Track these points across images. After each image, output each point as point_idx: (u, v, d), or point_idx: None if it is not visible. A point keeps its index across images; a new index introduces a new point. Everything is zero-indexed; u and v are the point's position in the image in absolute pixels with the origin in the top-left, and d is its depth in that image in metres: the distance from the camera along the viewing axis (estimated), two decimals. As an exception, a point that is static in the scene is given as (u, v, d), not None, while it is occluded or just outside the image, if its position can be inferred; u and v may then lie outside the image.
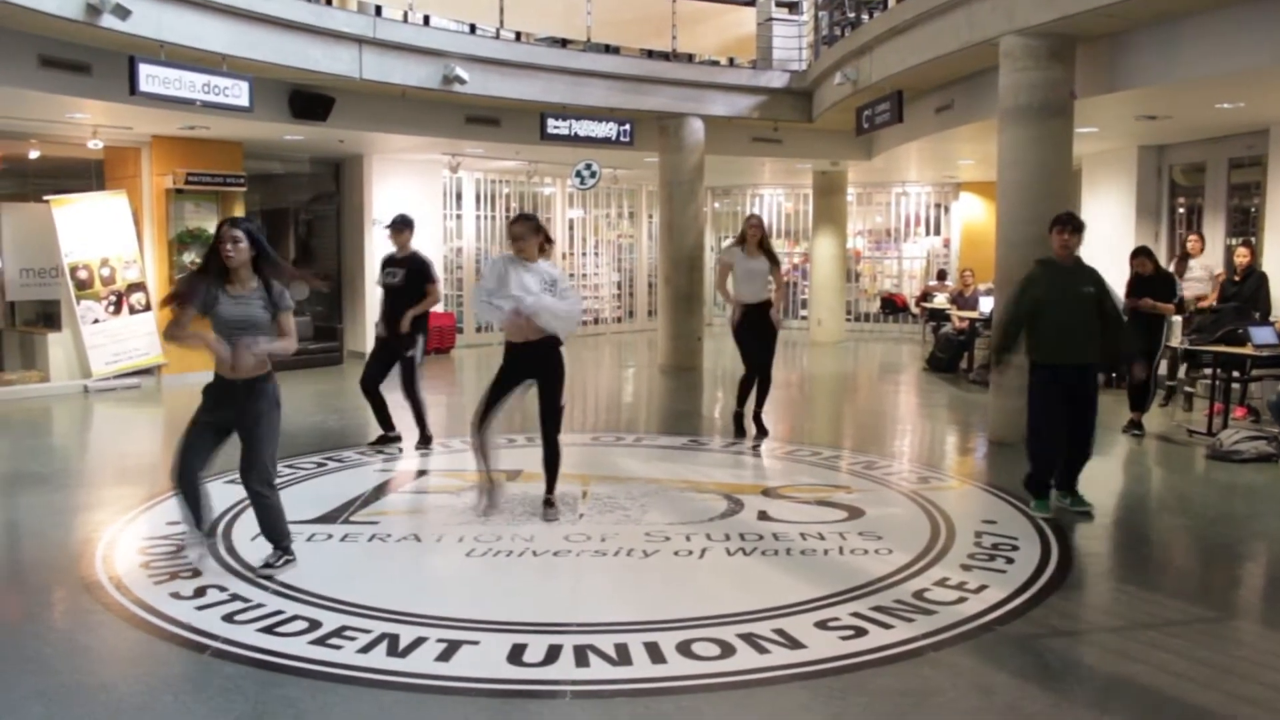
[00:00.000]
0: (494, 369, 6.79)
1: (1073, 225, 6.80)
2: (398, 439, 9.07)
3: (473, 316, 18.29)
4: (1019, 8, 8.94)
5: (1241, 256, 10.61)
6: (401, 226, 8.95)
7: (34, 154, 12.65)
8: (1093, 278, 6.81)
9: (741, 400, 9.62)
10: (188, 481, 5.47)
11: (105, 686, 4.28)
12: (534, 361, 6.61)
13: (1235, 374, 9.70)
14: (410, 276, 8.76)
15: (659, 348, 15.53)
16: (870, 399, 13.27)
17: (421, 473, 8.36)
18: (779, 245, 21.90)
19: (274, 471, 5.59)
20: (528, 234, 6.52)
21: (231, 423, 5.47)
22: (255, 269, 5.41)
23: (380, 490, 7.61)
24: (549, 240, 6.78)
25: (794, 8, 16.68)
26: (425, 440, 8.98)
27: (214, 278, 5.36)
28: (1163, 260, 10.99)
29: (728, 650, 4.56)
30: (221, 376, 5.43)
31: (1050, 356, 6.68)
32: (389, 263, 8.95)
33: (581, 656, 4.49)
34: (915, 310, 19.81)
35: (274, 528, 5.62)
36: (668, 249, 15.18)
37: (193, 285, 5.42)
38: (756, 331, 9.40)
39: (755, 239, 9.33)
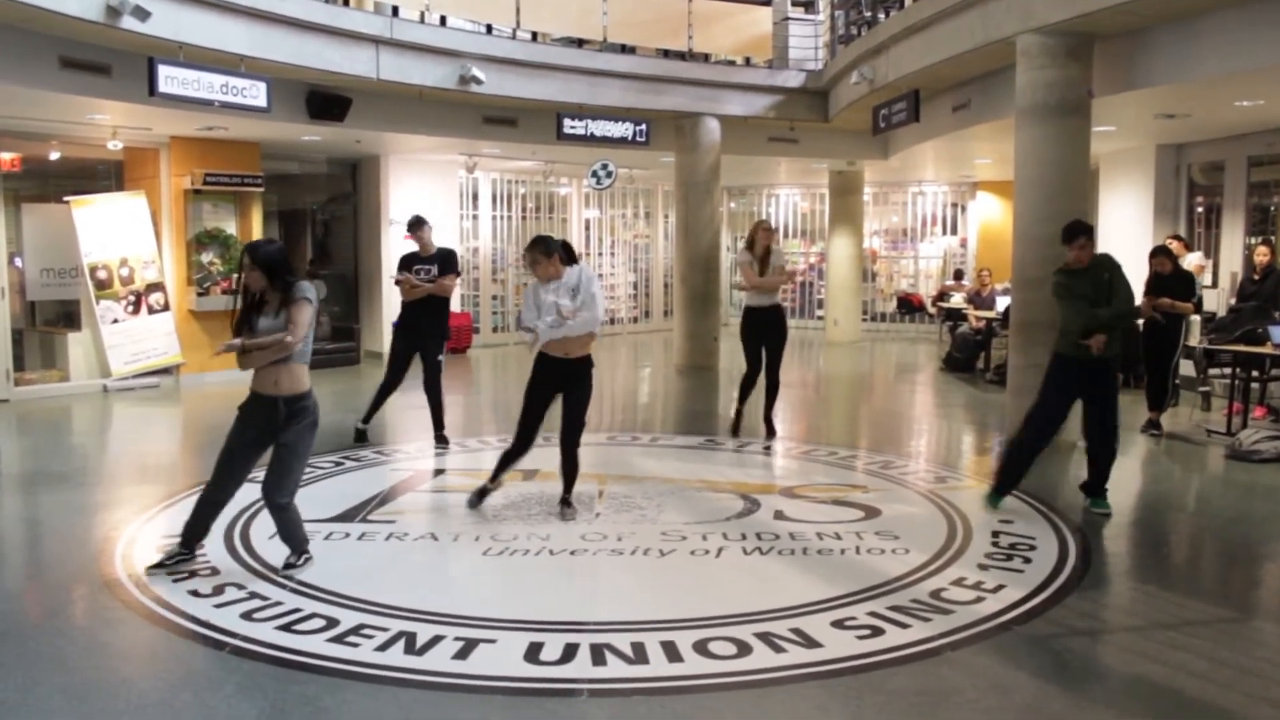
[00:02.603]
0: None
1: (1087, 234, 6.86)
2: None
3: (490, 317, 18.37)
4: (1036, 6, 8.91)
5: (1261, 255, 10.54)
6: (418, 225, 9.06)
7: (54, 155, 12.72)
8: (1106, 264, 6.85)
9: (742, 399, 9.65)
10: (214, 503, 5.57)
11: (126, 683, 4.32)
12: (566, 377, 6.68)
13: (1255, 373, 9.65)
14: (443, 272, 8.90)
15: (675, 348, 15.52)
16: (886, 399, 13.24)
17: (438, 472, 8.37)
18: (794, 245, 21.93)
19: (295, 489, 5.63)
20: (539, 258, 6.66)
21: (269, 439, 5.50)
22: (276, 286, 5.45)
23: (397, 489, 7.64)
24: (571, 256, 6.84)
25: (810, 7, 16.65)
26: (442, 440, 9.01)
27: (254, 304, 5.47)
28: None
29: (744, 649, 4.56)
30: (259, 394, 5.47)
31: (1074, 350, 6.72)
32: (416, 260, 9.02)
33: (598, 655, 4.49)
34: (932, 310, 19.75)
35: (292, 535, 5.66)
36: (684, 249, 15.18)
37: (243, 319, 5.52)
38: (760, 334, 9.47)
39: (763, 244, 9.38)
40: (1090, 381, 6.75)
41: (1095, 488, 6.93)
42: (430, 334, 8.98)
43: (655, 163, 16.94)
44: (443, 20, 13.19)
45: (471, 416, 10.92)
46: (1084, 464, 7.13)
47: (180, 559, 5.63)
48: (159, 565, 5.58)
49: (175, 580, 5.45)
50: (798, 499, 7.29)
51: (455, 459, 8.73)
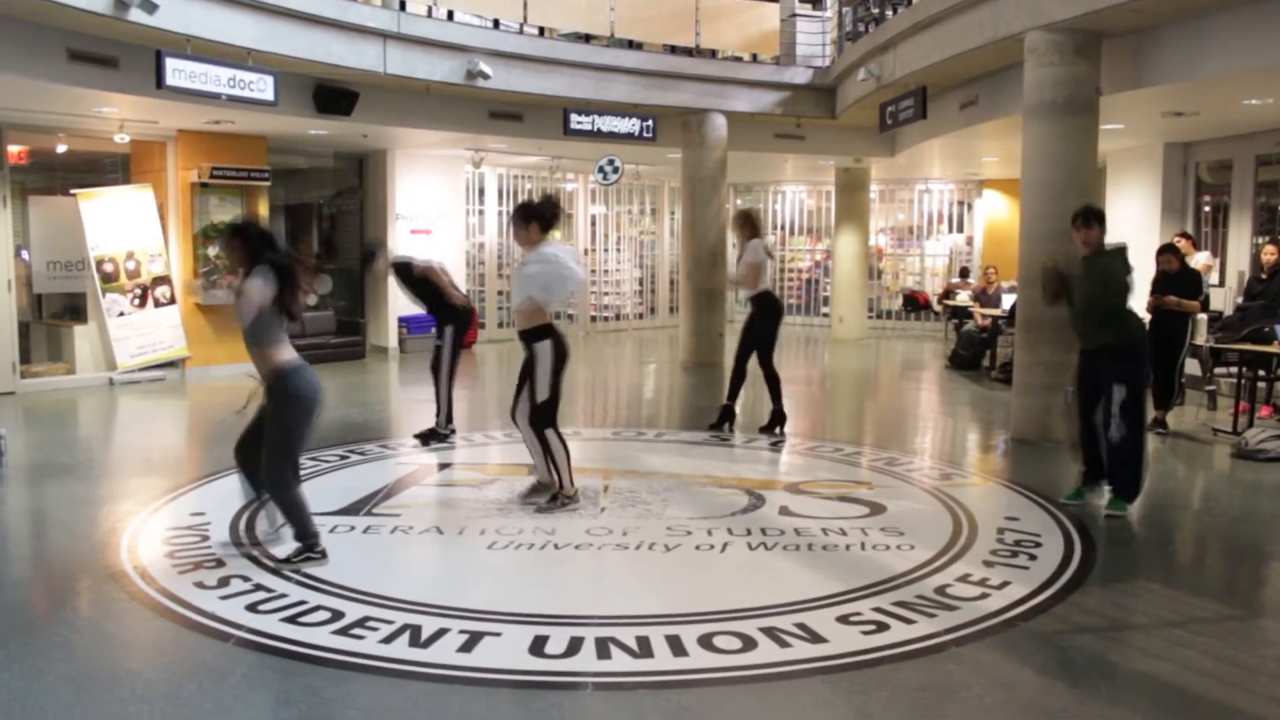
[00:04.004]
0: (514, 365, 6.92)
1: (1083, 217, 6.84)
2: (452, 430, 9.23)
3: (495, 312, 18.38)
4: (1045, 3, 8.89)
5: (1269, 254, 10.49)
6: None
7: (61, 148, 12.75)
8: (1104, 256, 6.78)
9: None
10: (239, 463, 5.83)
11: (131, 673, 4.33)
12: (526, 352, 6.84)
13: (1261, 372, 9.62)
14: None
15: (680, 344, 15.52)
16: (892, 396, 13.23)
17: (444, 465, 8.37)
18: (800, 242, 21.97)
19: (280, 473, 5.55)
20: (514, 224, 6.90)
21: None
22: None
23: (402, 483, 7.64)
24: (532, 221, 6.82)
25: (817, 3, 16.64)
26: (433, 433, 9.00)
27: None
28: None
29: (749, 644, 4.55)
30: None
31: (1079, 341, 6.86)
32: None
33: (603, 648, 4.49)
34: (937, 308, 19.73)
35: (291, 523, 5.65)
36: (689, 245, 15.18)
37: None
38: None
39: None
40: (1095, 370, 6.78)
41: (1108, 480, 6.91)
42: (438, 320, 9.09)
43: (662, 159, 16.93)
44: (450, 15, 13.19)
45: (476, 411, 10.92)
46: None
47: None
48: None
49: (181, 573, 5.47)
50: (803, 495, 7.28)
51: (460, 453, 8.73)
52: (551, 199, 7.01)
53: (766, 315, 9.42)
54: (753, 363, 9.42)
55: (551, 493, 6.84)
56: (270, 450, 5.53)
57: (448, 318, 9.00)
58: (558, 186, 19.58)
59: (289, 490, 5.61)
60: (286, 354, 5.55)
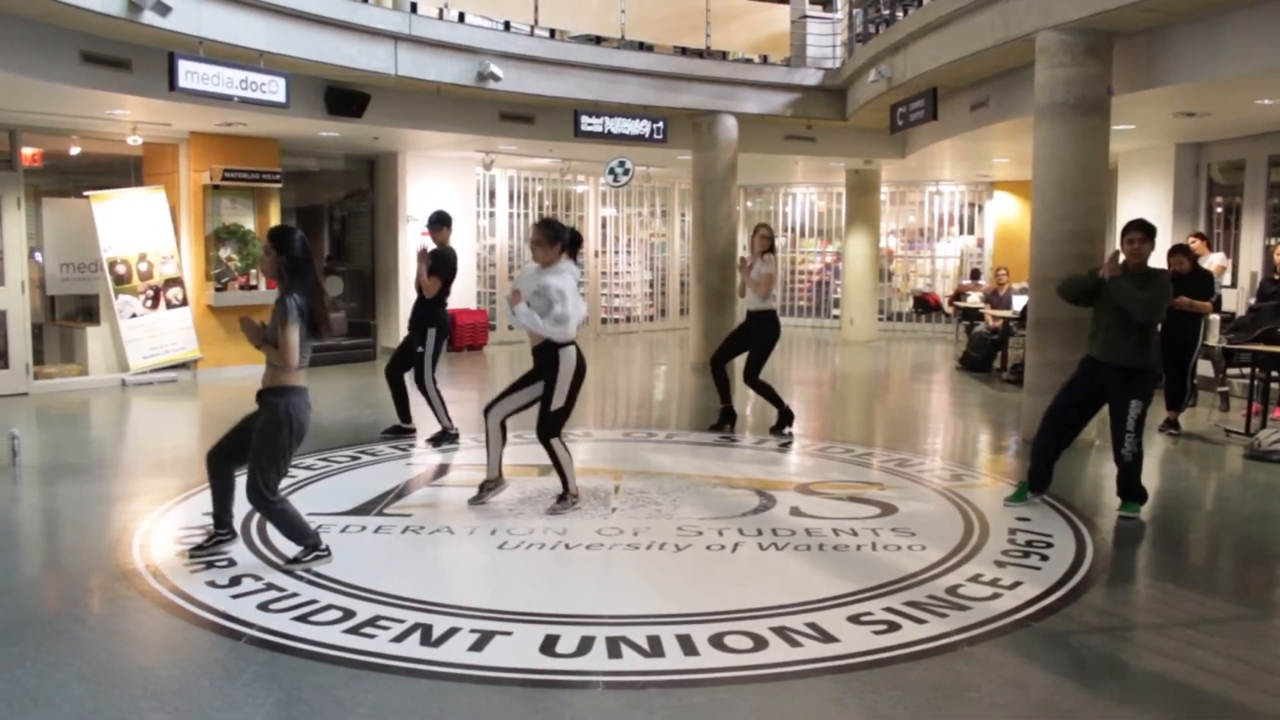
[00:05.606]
0: (523, 368, 6.94)
1: (1143, 233, 6.77)
2: (411, 431, 9.30)
3: (506, 315, 18.37)
4: (1056, 3, 8.87)
5: (1283, 255, 10.48)
6: (436, 224, 9.15)
7: (74, 150, 12.80)
8: (1157, 281, 6.66)
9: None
10: (211, 469, 5.73)
11: (143, 670, 4.34)
12: (538, 364, 6.74)
13: (1274, 373, 9.58)
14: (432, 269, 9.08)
15: (690, 346, 15.52)
16: (903, 397, 13.21)
17: (456, 467, 8.38)
18: (810, 244, 21.99)
19: (266, 488, 5.43)
20: (540, 239, 6.70)
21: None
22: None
23: (414, 483, 7.66)
24: (571, 246, 6.79)
25: (828, 5, 16.62)
26: (444, 435, 9.02)
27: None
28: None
29: (760, 643, 4.55)
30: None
31: (1089, 348, 6.76)
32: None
33: (614, 648, 4.50)
34: (948, 309, 19.70)
35: (290, 534, 5.59)
36: (700, 247, 15.18)
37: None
38: (742, 333, 9.65)
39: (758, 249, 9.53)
40: (1102, 383, 6.72)
41: (1119, 490, 6.86)
42: (413, 324, 9.20)
43: (672, 160, 16.95)
44: (461, 17, 13.22)
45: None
46: (1102, 463, 7.10)
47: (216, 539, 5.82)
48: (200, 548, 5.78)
49: (193, 571, 5.48)
50: (814, 495, 7.28)
51: (471, 454, 8.73)
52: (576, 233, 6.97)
53: (766, 333, 9.40)
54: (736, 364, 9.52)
55: (559, 494, 6.87)
56: (262, 468, 5.44)
57: (433, 320, 9.03)
58: (568, 189, 19.61)
59: (278, 504, 5.52)
60: (300, 377, 5.51)
